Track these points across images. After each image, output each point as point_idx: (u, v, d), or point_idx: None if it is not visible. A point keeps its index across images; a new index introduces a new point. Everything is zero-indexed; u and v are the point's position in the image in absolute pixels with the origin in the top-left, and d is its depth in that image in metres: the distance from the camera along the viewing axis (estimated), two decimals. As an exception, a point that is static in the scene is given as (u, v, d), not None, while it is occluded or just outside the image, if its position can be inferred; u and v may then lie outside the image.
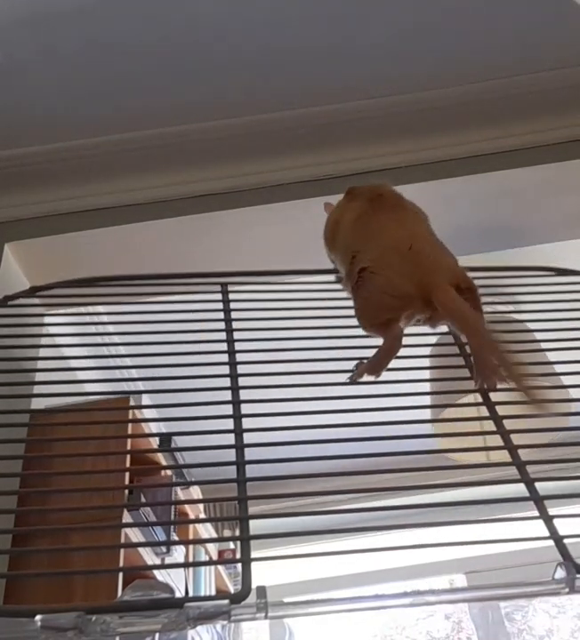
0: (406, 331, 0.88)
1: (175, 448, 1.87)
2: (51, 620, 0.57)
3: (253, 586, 0.62)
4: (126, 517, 1.65)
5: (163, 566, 2.13)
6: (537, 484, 0.73)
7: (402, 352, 0.87)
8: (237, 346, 0.94)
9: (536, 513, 0.70)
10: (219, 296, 1.04)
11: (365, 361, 0.87)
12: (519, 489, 0.74)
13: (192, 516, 2.40)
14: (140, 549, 1.79)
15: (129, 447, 1.61)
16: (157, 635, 1.41)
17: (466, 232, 1.76)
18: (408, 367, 0.90)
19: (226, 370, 0.90)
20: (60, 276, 1.10)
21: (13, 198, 1.70)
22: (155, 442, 2.09)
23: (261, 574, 0.64)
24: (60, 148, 1.68)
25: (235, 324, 0.98)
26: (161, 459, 2.04)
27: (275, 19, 1.49)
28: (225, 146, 1.70)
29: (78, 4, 1.41)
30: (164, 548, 1.99)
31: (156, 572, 1.84)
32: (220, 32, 1.50)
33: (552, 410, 0.76)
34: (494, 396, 0.85)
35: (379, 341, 0.87)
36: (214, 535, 2.70)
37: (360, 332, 0.90)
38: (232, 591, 2.62)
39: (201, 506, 2.65)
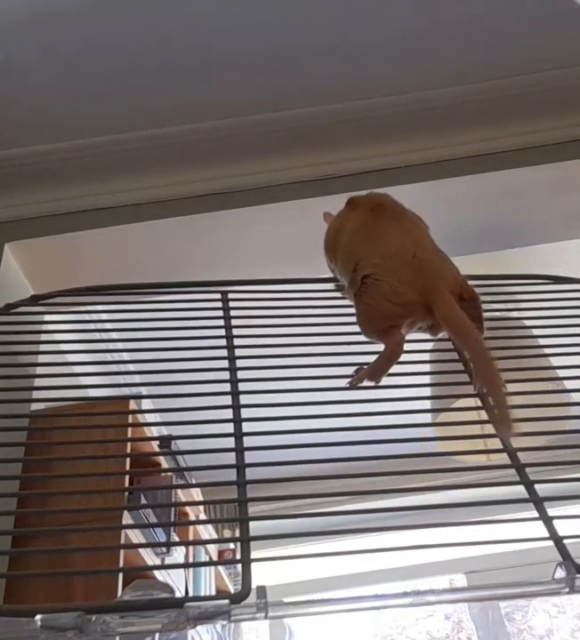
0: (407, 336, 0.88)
1: (176, 451, 1.87)
2: (51, 620, 0.57)
3: (253, 586, 0.62)
4: (127, 518, 1.65)
5: (163, 567, 2.14)
6: (537, 486, 0.74)
7: (402, 356, 0.87)
8: (237, 351, 0.95)
9: (536, 514, 0.71)
10: (219, 303, 1.04)
11: (365, 367, 0.87)
12: (519, 490, 0.75)
13: (192, 517, 2.40)
14: (141, 549, 1.79)
15: (129, 450, 1.61)
16: (157, 635, 1.42)
17: (466, 232, 1.76)
18: (408, 372, 0.90)
19: (226, 375, 0.90)
20: (60, 277, 1.11)
21: (13, 198, 1.70)
22: (155, 444, 2.09)
23: (261, 574, 0.64)
24: (60, 148, 1.68)
25: (235, 330, 0.99)
26: (162, 461, 2.04)
27: (275, 19, 1.49)
28: (225, 146, 1.70)
29: (78, 4, 1.41)
30: (164, 549, 1.99)
31: (156, 572, 1.84)
32: (220, 32, 1.50)
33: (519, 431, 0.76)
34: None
35: (380, 347, 0.87)
36: (214, 536, 2.70)
37: (360, 337, 0.90)
38: (232, 591, 2.61)
39: (201, 507, 2.65)
